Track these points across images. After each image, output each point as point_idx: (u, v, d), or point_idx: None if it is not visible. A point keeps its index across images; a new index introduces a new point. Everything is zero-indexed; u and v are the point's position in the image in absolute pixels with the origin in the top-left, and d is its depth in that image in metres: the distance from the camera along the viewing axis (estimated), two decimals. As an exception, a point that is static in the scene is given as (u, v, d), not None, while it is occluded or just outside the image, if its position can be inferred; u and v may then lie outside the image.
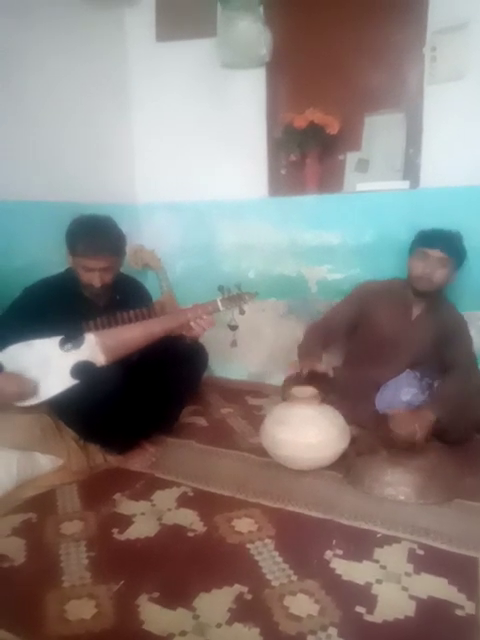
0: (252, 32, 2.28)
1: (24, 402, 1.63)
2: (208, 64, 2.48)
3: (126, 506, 1.56)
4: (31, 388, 1.61)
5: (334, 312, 2.07)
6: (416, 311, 1.99)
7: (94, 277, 1.72)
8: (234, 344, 1.87)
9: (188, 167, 2.65)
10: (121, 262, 1.83)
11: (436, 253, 1.84)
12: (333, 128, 2.32)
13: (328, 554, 1.32)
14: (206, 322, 1.74)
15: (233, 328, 1.84)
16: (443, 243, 1.84)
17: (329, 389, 1.85)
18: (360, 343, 2.08)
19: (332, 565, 1.28)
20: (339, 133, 2.34)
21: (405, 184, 2.29)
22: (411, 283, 1.93)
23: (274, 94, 2.47)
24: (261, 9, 2.31)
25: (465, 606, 1.14)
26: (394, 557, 1.31)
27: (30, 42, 2.11)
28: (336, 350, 2.22)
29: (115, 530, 1.44)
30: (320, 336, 1.98)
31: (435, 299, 1.97)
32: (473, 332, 2.01)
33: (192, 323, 1.73)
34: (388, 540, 1.38)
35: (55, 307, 1.67)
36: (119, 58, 2.63)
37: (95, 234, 1.70)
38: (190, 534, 1.42)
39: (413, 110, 2.25)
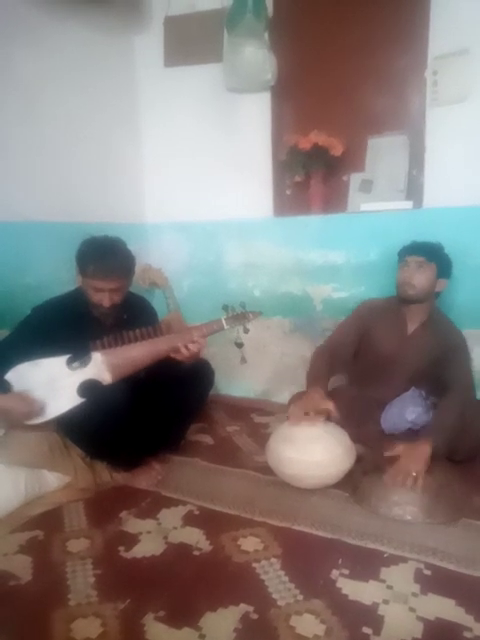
0: (257, 57, 2.34)
1: (31, 421, 1.65)
2: (215, 88, 2.55)
3: (132, 524, 1.57)
4: (38, 408, 1.64)
5: (337, 334, 2.09)
6: (412, 326, 2.01)
7: (104, 298, 1.74)
8: (243, 361, 1.89)
9: (195, 188, 2.70)
10: (130, 283, 1.85)
11: (412, 258, 1.93)
12: (337, 150, 2.36)
13: (334, 574, 1.32)
14: (196, 346, 1.74)
15: (239, 345, 1.85)
16: (419, 248, 1.94)
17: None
18: (362, 361, 2.09)
19: (338, 585, 1.28)
20: (343, 154, 2.37)
21: (408, 204, 2.32)
22: (398, 294, 1.98)
23: (279, 117, 2.52)
24: (266, 35, 2.37)
25: (473, 628, 1.13)
26: (401, 577, 1.30)
27: (44, 70, 2.18)
28: (342, 369, 2.22)
29: (121, 548, 1.44)
30: (327, 361, 1.99)
31: (431, 314, 1.99)
32: (477, 350, 2.02)
33: (182, 348, 1.72)
34: (395, 560, 1.37)
35: (63, 326, 1.70)
36: (129, 83, 2.71)
37: (106, 256, 1.72)
38: (196, 553, 1.42)
39: (416, 132, 2.29)
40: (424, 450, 1.64)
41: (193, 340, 1.73)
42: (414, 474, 1.58)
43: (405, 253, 1.97)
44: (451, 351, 1.91)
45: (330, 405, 1.77)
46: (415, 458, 1.62)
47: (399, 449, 1.67)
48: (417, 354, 1.97)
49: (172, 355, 1.74)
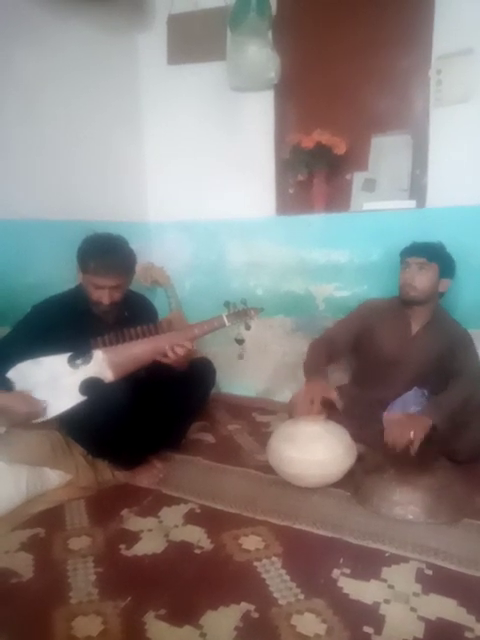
0: (261, 56, 2.34)
1: (33, 420, 1.65)
2: (218, 87, 2.54)
3: (133, 522, 1.57)
4: (40, 408, 1.64)
5: (337, 328, 2.09)
6: (416, 327, 2.00)
7: (104, 295, 1.74)
8: (241, 356, 1.89)
9: (198, 187, 2.71)
10: (130, 281, 1.85)
11: (414, 259, 1.93)
12: (340, 149, 2.35)
13: (336, 573, 1.32)
14: (182, 349, 1.71)
15: (240, 342, 1.86)
16: (419, 249, 1.93)
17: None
18: (364, 361, 2.09)
19: (340, 584, 1.27)
20: (346, 153, 2.37)
21: (411, 203, 2.32)
22: (400, 296, 1.97)
23: (282, 116, 2.52)
24: (270, 34, 2.37)
25: (474, 628, 1.13)
26: (402, 577, 1.30)
27: (45, 69, 2.18)
28: (342, 368, 2.22)
29: (122, 546, 1.44)
30: (324, 352, 1.99)
31: (435, 314, 1.99)
32: (480, 350, 2.02)
33: (169, 352, 1.71)
34: (396, 559, 1.37)
35: (63, 324, 1.70)
36: (131, 81, 2.71)
37: (107, 253, 1.72)
38: (197, 551, 1.42)
39: (419, 131, 2.29)
40: (425, 420, 1.67)
41: (179, 344, 1.71)
42: (411, 436, 1.60)
43: (406, 254, 1.97)
44: (457, 347, 1.91)
45: (333, 394, 1.78)
46: (414, 423, 1.65)
47: (399, 415, 1.68)
48: (421, 355, 1.97)
49: (158, 359, 1.72)
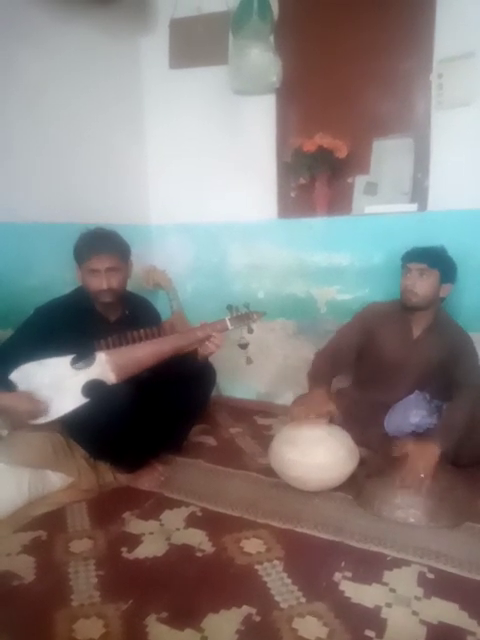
0: (263, 60, 2.34)
1: (36, 420, 1.65)
2: (220, 91, 2.54)
3: (135, 525, 1.57)
4: (43, 407, 1.64)
5: (340, 337, 2.08)
6: (417, 331, 2.00)
7: (101, 281, 1.75)
8: (249, 361, 1.89)
9: (200, 190, 2.71)
10: (127, 270, 1.86)
11: (414, 265, 1.91)
12: (342, 152, 2.36)
13: (337, 576, 1.32)
14: (220, 340, 1.78)
15: (243, 346, 1.86)
16: (420, 254, 1.91)
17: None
18: (366, 365, 2.09)
19: (341, 587, 1.28)
20: (348, 157, 2.37)
21: (413, 207, 2.32)
22: (401, 302, 1.97)
23: (284, 119, 2.53)
24: (272, 38, 2.37)
25: (477, 633, 1.13)
26: (404, 580, 1.30)
27: (48, 71, 2.19)
28: (343, 372, 2.22)
29: (124, 549, 1.45)
30: (328, 363, 1.98)
31: (436, 318, 1.98)
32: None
33: (207, 342, 1.76)
34: (398, 563, 1.37)
35: (66, 326, 1.71)
36: (134, 84, 2.71)
37: (98, 236, 1.77)
38: (198, 554, 1.42)
39: (421, 135, 2.28)
40: (433, 451, 1.64)
41: (211, 335, 1.77)
42: (422, 475, 1.58)
43: (407, 260, 1.95)
44: (459, 353, 1.90)
45: (332, 407, 1.77)
46: (424, 459, 1.62)
47: (408, 447, 1.67)
48: (423, 359, 1.96)
49: (201, 350, 1.80)
